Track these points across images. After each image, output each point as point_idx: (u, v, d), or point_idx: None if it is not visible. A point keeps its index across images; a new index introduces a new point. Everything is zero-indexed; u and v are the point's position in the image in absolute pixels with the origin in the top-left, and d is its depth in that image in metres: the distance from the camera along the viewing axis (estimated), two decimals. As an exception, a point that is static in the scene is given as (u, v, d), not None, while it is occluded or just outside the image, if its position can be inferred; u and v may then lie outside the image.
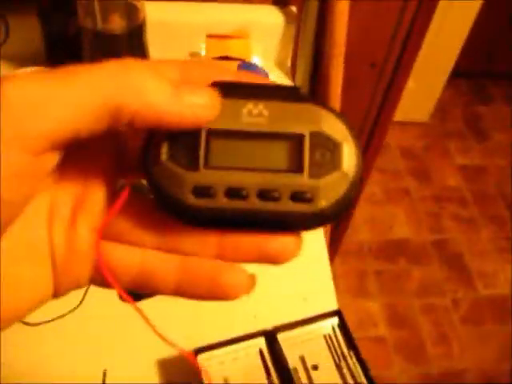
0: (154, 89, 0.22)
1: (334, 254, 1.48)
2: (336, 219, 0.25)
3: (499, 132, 2.33)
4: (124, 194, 0.24)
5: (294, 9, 0.93)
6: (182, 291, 0.25)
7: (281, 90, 0.25)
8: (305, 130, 0.24)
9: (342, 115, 0.25)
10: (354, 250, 1.84)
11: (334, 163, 0.24)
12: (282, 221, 0.24)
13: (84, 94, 0.21)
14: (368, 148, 1.20)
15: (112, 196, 0.25)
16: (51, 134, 0.20)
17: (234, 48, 0.82)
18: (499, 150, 2.26)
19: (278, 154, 0.24)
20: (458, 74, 2.24)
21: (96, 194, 0.25)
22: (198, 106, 0.23)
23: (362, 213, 1.93)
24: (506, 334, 1.74)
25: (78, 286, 0.25)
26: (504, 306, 1.80)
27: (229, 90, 0.24)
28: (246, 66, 0.72)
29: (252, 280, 0.25)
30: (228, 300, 0.25)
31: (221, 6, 0.92)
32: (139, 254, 0.25)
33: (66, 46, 0.78)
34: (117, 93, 0.21)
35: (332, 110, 0.25)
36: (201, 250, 0.25)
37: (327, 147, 0.24)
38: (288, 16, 0.92)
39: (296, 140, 0.24)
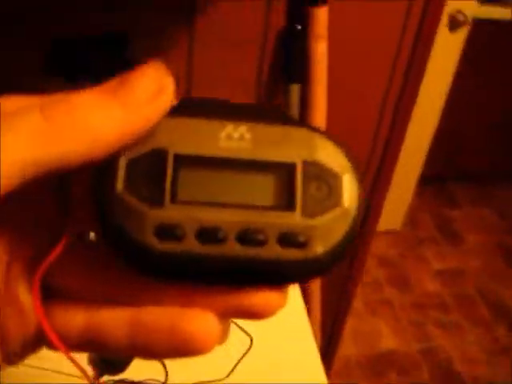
0: (87, 119, 0.18)
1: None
2: (333, 267, 0.20)
3: (472, 233, 2.39)
4: (61, 243, 0.20)
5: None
6: (138, 348, 0.20)
7: (266, 111, 0.21)
8: (296, 158, 0.20)
9: (341, 142, 0.21)
10: (341, 365, 1.79)
11: (333, 198, 0.20)
12: (267, 271, 0.19)
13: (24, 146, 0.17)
14: (353, 263, 1.21)
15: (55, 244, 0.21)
16: None
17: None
18: (474, 252, 2.30)
19: (264, 187, 0.20)
20: (425, 179, 2.32)
21: (35, 243, 0.21)
22: (147, 102, 0.19)
23: (345, 327, 1.90)
24: None
25: (27, 353, 0.21)
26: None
27: (202, 109, 0.20)
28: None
29: (225, 326, 0.20)
30: (195, 354, 0.20)
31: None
32: (84, 308, 0.21)
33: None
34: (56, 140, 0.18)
35: (328, 136, 0.21)
36: (163, 302, 0.20)
37: (324, 179, 0.20)
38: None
39: (286, 170, 0.20)
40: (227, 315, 0.20)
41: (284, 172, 0.20)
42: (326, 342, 1.35)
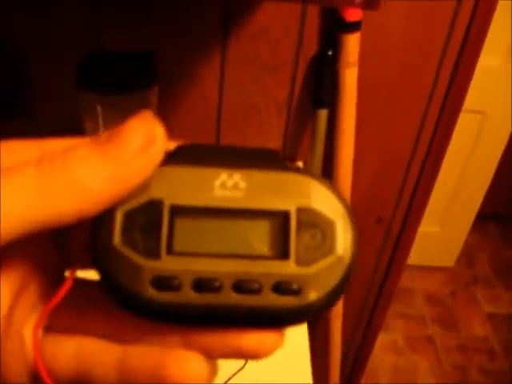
0: (80, 172, 0.19)
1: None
2: (326, 311, 0.21)
3: (529, 279, 2.26)
4: (64, 288, 0.21)
5: (300, 164, 0.96)
6: None
7: (259, 155, 0.21)
8: (290, 205, 0.20)
9: (334, 187, 0.21)
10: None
11: (327, 246, 0.20)
12: (262, 317, 0.20)
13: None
14: (377, 304, 1.17)
15: (54, 288, 0.22)
16: None
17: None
18: (529, 298, 2.18)
19: (258, 236, 0.20)
20: (484, 217, 2.23)
21: (35, 287, 0.22)
22: (139, 153, 0.19)
23: (382, 361, 1.84)
24: None
25: None
26: None
27: (196, 156, 0.21)
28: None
29: (211, 367, 0.21)
30: None
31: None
32: (75, 345, 0.22)
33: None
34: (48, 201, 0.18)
35: (321, 180, 0.21)
36: (162, 342, 0.21)
37: (318, 226, 0.20)
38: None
39: (280, 218, 0.20)
40: (222, 356, 0.21)
41: (278, 220, 0.20)
42: (345, 378, 1.32)
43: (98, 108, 0.72)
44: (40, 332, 0.22)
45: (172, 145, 0.21)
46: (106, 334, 0.21)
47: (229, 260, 0.20)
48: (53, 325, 0.22)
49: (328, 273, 0.20)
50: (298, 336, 0.74)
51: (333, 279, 0.20)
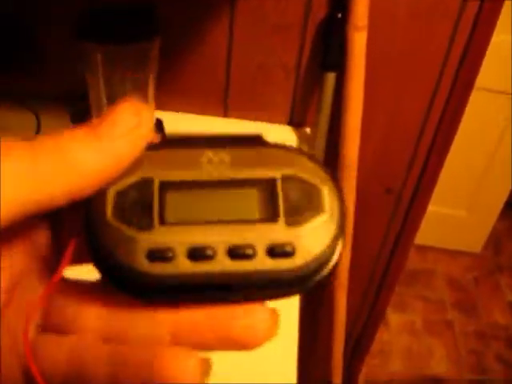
0: (74, 153, 0.19)
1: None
2: (325, 277, 0.20)
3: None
4: (53, 281, 0.21)
5: (308, 130, 0.95)
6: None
7: (243, 138, 0.22)
8: (276, 174, 0.21)
9: (316, 158, 0.22)
10: (383, 380, 1.72)
11: (315, 207, 0.21)
12: (258, 283, 0.20)
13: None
14: (385, 277, 1.16)
15: (46, 279, 0.22)
16: None
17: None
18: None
19: (248, 203, 0.21)
20: (514, 204, 2.17)
21: (28, 283, 0.22)
22: (126, 134, 0.20)
23: (397, 342, 1.83)
24: None
25: None
26: None
27: (183, 142, 0.22)
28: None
29: (205, 365, 0.21)
30: None
31: (236, 122, 0.96)
32: (67, 344, 0.22)
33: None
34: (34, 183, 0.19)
35: (304, 153, 0.22)
36: (153, 337, 0.21)
37: (304, 190, 0.21)
38: (302, 137, 0.95)
39: (267, 185, 0.21)
40: (212, 346, 0.21)
41: (265, 187, 0.21)
42: (349, 356, 1.31)
43: (99, 60, 0.73)
44: (32, 329, 0.22)
45: (157, 138, 0.22)
46: (98, 330, 0.22)
47: (221, 227, 0.20)
48: (46, 324, 0.22)
49: (319, 232, 0.20)
50: (287, 336, 0.70)
51: (325, 238, 0.20)
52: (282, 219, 0.20)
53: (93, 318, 0.22)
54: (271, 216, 0.20)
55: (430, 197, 1.04)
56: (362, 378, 1.47)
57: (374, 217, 1.06)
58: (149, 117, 0.21)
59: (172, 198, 0.20)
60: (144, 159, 0.21)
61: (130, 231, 0.20)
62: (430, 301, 2.00)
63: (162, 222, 0.20)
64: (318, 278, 0.20)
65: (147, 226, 0.20)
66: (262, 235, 0.20)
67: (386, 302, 1.21)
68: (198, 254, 0.20)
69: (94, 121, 0.20)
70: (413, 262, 2.03)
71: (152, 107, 0.80)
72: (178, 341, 0.21)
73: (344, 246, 0.21)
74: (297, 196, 0.21)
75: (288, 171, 0.21)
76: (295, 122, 0.96)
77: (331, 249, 0.20)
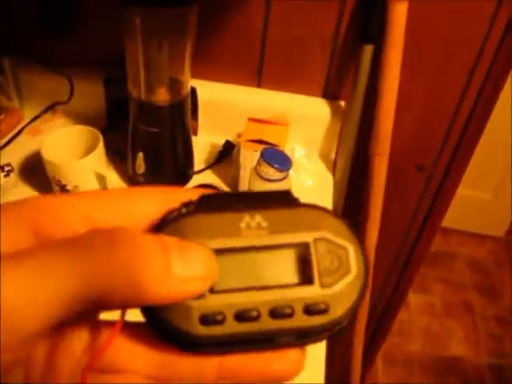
0: (145, 266, 0.19)
1: (372, 357, 1.40)
2: (350, 320, 0.24)
3: None
4: (112, 336, 0.22)
5: (342, 103, 0.95)
6: None
7: (272, 197, 0.24)
8: (308, 237, 0.24)
9: (341, 216, 0.24)
10: (401, 359, 1.73)
11: (344, 268, 0.23)
12: (296, 336, 0.23)
13: (62, 284, 0.18)
14: (411, 256, 1.15)
15: (97, 331, 0.23)
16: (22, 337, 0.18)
17: (270, 133, 0.84)
18: None
19: (285, 267, 0.23)
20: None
21: (78, 334, 0.23)
22: (193, 280, 0.21)
23: (417, 322, 1.83)
24: None
25: None
26: None
27: (220, 203, 0.24)
28: (270, 150, 0.73)
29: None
30: None
31: (270, 93, 0.95)
32: None
33: (124, 111, 0.84)
34: (101, 277, 0.19)
35: (329, 212, 0.24)
36: (199, 377, 0.23)
37: (333, 252, 0.24)
38: (336, 110, 0.94)
39: (301, 250, 0.23)
40: (253, 380, 0.23)
41: (300, 252, 0.24)
42: (370, 334, 1.31)
43: (137, 24, 0.73)
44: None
45: (195, 195, 0.24)
46: (145, 370, 0.23)
47: (263, 291, 0.23)
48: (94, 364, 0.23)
49: (348, 290, 0.23)
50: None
51: (353, 295, 0.23)
52: (316, 281, 0.23)
53: (140, 357, 0.23)
54: (307, 279, 0.23)
55: (462, 177, 1.03)
56: (379, 355, 1.47)
57: (404, 195, 1.05)
58: (215, 274, 0.22)
59: (220, 266, 0.22)
60: (189, 224, 0.23)
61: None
62: (451, 283, 1.99)
63: (212, 290, 0.22)
64: (345, 323, 0.23)
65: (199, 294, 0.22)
66: (300, 297, 0.23)
67: (410, 282, 1.20)
68: (244, 316, 0.22)
69: (170, 239, 0.21)
70: (436, 243, 2.01)
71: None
72: (222, 374, 0.23)
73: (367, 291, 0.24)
74: (327, 258, 0.23)
75: (318, 234, 0.24)
76: (330, 95, 0.95)
77: (358, 302, 0.23)
